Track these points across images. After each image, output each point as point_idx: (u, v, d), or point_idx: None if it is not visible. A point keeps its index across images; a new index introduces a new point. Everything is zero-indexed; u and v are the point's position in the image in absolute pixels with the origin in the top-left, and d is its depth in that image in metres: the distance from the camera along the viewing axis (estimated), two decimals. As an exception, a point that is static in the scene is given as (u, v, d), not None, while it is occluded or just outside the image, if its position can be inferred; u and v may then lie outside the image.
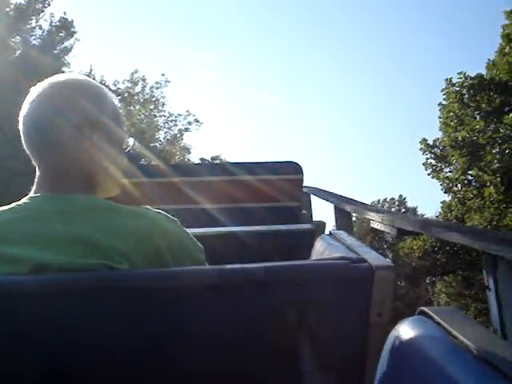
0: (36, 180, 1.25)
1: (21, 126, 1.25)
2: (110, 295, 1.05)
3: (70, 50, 24.14)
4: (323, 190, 5.72)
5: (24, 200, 1.21)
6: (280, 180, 3.51)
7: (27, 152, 1.26)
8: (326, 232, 2.08)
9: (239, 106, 54.37)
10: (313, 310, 1.10)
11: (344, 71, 52.29)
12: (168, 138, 30.46)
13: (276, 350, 1.10)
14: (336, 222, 5.46)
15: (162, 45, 46.74)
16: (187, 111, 30.69)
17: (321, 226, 2.65)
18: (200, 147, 50.89)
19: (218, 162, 32.81)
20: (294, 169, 3.55)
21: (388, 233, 4.18)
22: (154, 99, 29.70)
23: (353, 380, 1.15)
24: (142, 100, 29.54)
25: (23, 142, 1.25)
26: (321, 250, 1.61)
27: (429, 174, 18.85)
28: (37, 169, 1.26)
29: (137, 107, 29.29)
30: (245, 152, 50.00)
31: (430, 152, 18.86)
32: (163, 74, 29.94)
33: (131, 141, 1.42)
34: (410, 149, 55.06)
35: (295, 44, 52.73)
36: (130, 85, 29.29)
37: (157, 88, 29.58)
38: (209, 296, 1.08)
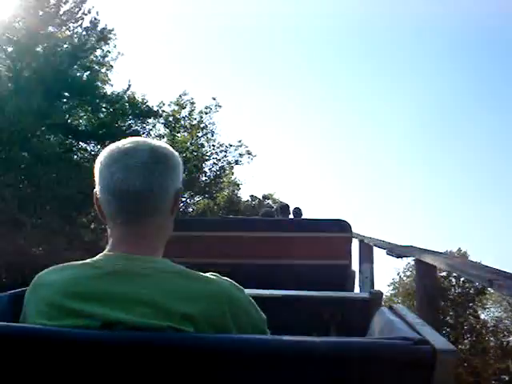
0: (112, 239, 1.33)
1: (104, 184, 1.32)
2: (175, 356, 1.08)
3: (108, 63, 20.69)
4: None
5: (99, 257, 1.29)
6: (328, 238, 3.73)
7: (104, 211, 1.35)
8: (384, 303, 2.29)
9: (297, 140, 49.28)
10: None
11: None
12: (215, 169, 26.33)
13: None
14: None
15: (215, 67, 42.78)
16: (239, 141, 26.74)
17: (378, 295, 2.42)
18: (251, 183, 45.84)
19: (269, 201, 30.22)
20: (342, 226, 3.78)
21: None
22: (202, 125, 25.71)
23: None
24: (188, 126, 25.58)
25: (103, 201, 1.34)
26: (380, 326, 1.59)
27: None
28: (112, 227, 1.35)
29: (182, 133, 25.47)
30: (300, 192, 44.93)
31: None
32: (214, 98, 25.69)
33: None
34: (468, 194, 49.09)
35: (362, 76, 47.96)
36: (176, 108, 25.55)
37: (206, 113, 25.71)
38: (264, 367, 1.10)
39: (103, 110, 21.27)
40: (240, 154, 26.89)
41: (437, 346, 1.11)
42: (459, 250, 34.96)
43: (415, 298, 5.19)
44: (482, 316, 31.85)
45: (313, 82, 48.42)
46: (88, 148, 21.55)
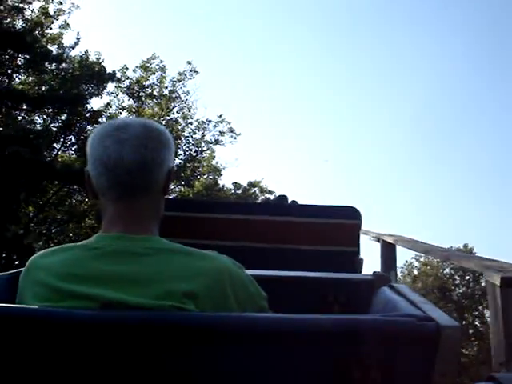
0: (106, 218, 1.30)
1: (97, 158, 1.28)
2: (177, 335, 1.08)
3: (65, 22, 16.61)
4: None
5: (95, 238, 1.27)
6: (337, 224, 3.61)
7: (96, 187, 1.30)
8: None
9: (290, 118, 43.34)
10: (376, 366, 1.09)
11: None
12: (192, 150, 22.29)
13: None
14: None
15: (190, 28, 37.08)
16: (219, 116, 22.39)
17: (382, 276, 2.30)
18: (234, 168, 37.19)
19: (256, 188, 26.89)
20: (351, 213, 3.62)
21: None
22: (174, 95, 21.22)
23: None
24: (158, 95, 21.20)
25: (95, 176, 1.28)
26: (382, 305, 1.59)
27: None
28: (106, 206, 1.30)
29: (150, 105, 20.94)
30: (291, 179, 39.45)
31: None
32: (189, 62, 21.44)
33: None
34: (476, 189, 44.99)
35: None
36: (142, 74, 21.17)
37: (179, 80, 21.20)
38: (269, 344, 1.10)
39: (48, 71, 16.89)
40: (221, 132, 22.71)
41: (440, 322, 1.12)
42: (465, 246, 32.44)
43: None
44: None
45: (308, 50, 42.76)
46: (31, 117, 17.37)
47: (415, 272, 32.59)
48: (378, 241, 6.13)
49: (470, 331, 30.45)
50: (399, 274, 33.24)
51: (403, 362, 1.10)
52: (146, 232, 1.26)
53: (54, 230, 21.05)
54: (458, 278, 31.03)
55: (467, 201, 43.27)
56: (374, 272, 2.34)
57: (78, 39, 17.73)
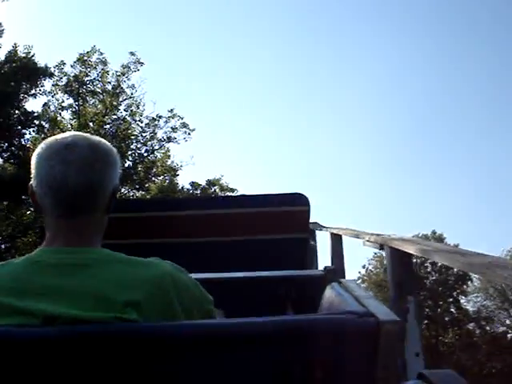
0: (48, 232, 1.30)
1: (42, 177, 1.27)
2: (118, 347, 1.09)
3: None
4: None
5: (36, 252, 1.26)
6: (287, 212, 3.60)
7: (40, 204, 1.29)
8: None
9: (249, 110, 41.59)
10: (319, 364, 1.12)
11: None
12: (142, 151, 20.79)
13: None
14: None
15: (133, 18, 34.99)
16: (170, 111, 20.70)
17: (332, 271, 2.56)
18: (191, 166, 34.68)
19: (216, 187, 25.37)
20: (300, 200, 3.60)
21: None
22: (118, 91, 19.47)
23: None
24: (100, 91, 19.41)
25: (39, 194, 1.28)
26: (329, 301, 1.67)
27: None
28: (49, 222, 1.30)
29: (93, 104, 19.12)
30: (252, 174, 37.81)
31: None
32: (133, 53, 19.70)
33: None
34: (443, 172, 44.43)
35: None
36: (82, 69, 19.62)
37: (123, 74, 19.46)
38: (211, 350, 1.12)
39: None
40: (173, 128, 21.08)
41: (380, 317, 1.15)
42: (434, 232, 32.22)
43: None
44: (468, 306, 30.75)
45: (267, 40, 40.51)
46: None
47: (385, 262, 31.78)
48: (381, 248, 4.12)
49: (446, 318, 29.90)
50: (370, 266, 32.31)
51: (346, 358, 1.13)
52: (88, 245, 1.26)
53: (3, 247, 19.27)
54: (429, 265, 30.37)
55: (425, 188, 42.81)
56: (325, 267, 2.58)
57: (1, 31, 15.85)
